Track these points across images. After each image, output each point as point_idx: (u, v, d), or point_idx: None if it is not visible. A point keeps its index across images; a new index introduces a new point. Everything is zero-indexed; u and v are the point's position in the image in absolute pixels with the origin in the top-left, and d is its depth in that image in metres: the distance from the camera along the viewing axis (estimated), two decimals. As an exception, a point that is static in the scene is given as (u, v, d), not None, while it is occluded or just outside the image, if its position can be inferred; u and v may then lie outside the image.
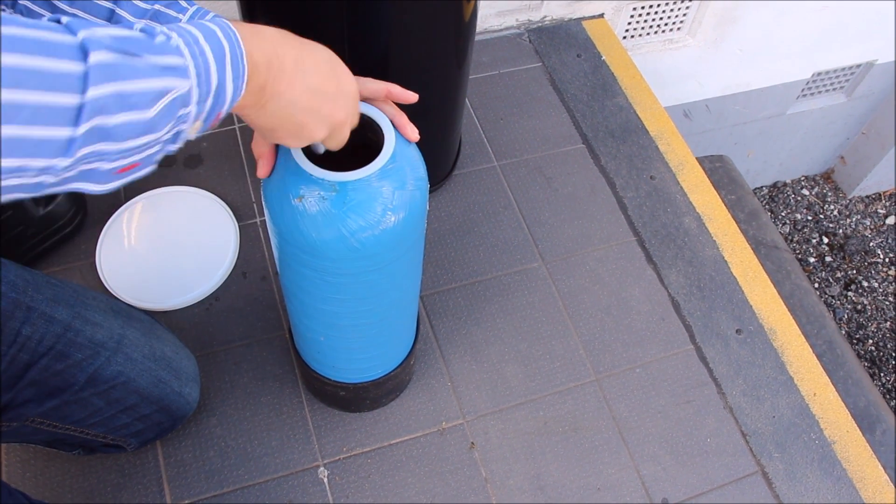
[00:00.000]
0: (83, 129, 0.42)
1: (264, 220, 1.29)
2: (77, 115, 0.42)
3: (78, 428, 0.89)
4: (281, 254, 0.79)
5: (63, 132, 0.42)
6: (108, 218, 1.25)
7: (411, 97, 0.75)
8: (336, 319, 0.86)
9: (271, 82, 0.57)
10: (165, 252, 1.23)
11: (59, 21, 0.43)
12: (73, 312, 0.84)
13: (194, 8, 0.69)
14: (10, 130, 0.39)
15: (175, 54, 0.48)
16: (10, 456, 1.04)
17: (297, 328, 0.97)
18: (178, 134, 0.51)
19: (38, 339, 0.81)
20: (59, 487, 1.02)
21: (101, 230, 1.24)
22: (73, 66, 0.41)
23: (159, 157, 0.51)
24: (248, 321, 1.19)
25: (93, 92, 0.42)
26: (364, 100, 0.73)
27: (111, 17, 0.67)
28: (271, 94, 0.58)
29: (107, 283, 1.18)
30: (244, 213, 1.30)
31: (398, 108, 0.76)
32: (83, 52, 0.42)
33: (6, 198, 0.44)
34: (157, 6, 0.67)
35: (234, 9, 1.11)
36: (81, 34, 0.42)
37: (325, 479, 1.07)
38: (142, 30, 0.48)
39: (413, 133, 0.74)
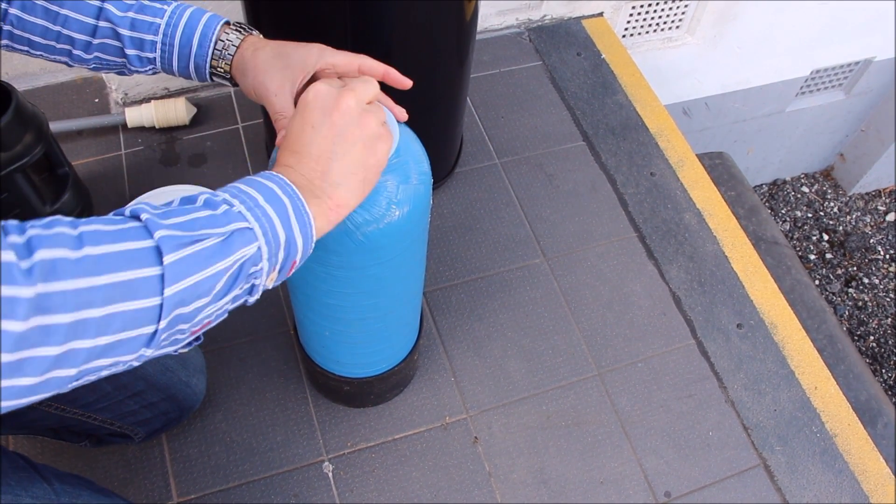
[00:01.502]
0: (164, 322, 0.48)
1: (268, 218, 1.30)
2: (158, 313, 0.47)
3: (85, 412, 0.90)
4: (286, 248, 0.80)
5: (148, 329, 0.47)
6: (113, 217, 1.26)
7: (405, 82, 0.73)
8: (341, 314, 0.87)
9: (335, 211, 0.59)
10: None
11: (137, 217, 0.48)
12: None
13: (174, 4, 0.70)
14: (104, 340, 0.45)
15: (239, 220, 0.51)
16: (17, 451, 1.05)
17: (302, 323, 0.98)
18: (253, 287, 0.54)
19: None
20: (66, 483, 1.03)
21: (106, 229, 1.24)
22: (152, 271, 0.46)
23: (233, 308, 0.54)
24: (253, 318, 1.20)
25: (169, 290, 0.47)
26: (336, 74, 0.71)
27: (99, 14, 0.68)
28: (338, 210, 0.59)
29: (112, 281, 1.19)
30: (248, 211, 1.31)
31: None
32: (158, 253, 0.46)
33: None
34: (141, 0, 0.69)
35: (237, 8, 1.12)
36: (157, 234, 0.47)
37: (330, 474, 1.08)
38: (205, 202, 0.51)
39: (401, 113, 0.73)
